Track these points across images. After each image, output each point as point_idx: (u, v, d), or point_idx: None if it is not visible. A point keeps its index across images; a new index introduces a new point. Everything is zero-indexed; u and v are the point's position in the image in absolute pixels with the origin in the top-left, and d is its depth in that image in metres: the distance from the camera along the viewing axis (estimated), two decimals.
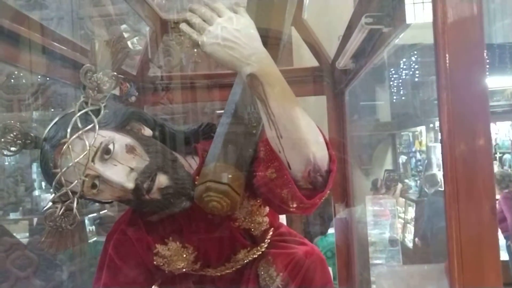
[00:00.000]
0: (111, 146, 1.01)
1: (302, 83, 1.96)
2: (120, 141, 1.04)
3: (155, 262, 1.19)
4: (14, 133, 1.06)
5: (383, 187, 5.31)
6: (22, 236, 3.36)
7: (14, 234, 3.32)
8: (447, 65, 0.70)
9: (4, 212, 3.43)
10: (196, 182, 1.08)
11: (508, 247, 5.10)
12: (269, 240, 1.30)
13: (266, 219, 1.21)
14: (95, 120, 1.02)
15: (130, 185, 1.01)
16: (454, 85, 0.70)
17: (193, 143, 1.22)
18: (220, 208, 1.03)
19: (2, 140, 1.05)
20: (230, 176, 1.04)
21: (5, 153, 1.05)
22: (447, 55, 0.70)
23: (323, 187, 1.00)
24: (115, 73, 1.04)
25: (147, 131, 1.12)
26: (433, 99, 5.91)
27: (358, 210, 1.85)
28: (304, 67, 2.08)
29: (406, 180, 5.81)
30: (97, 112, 1.04)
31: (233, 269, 1.26)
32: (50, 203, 1.04)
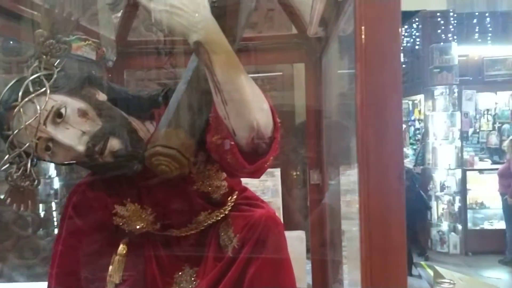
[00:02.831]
0: (63, 110, 1.06)
1: (282, 50, 1.95)
2: (72, 105, 1.08)
3: (114, 222, 1.24)
4: None
5: None
6: None
7: None
8: (363, 37, 0.71)
9: None
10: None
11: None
12: (232, 203, 1.34)
13: (225, 183, 1.25)
14: (47, 85, 1.05)
15: (81, 147, 1.06)
16: (368, 57, 0.72)
17: (153, 108, 1.25)
18: (169, 171, 1.07)
19: None
20: (179, 141, 1.07)
21: None
22: (363, 27, 0.71)
23: (265, 153, 1.04)
24: (68, 39, 1.07)
25: (102, 96, 1.16)
26: (433, 67, 5.85)
27: (332, 177, 1.89)
28: (283, 34, 2.07)
29: (404, 149, 5.82)
30: (50, 77, 1.07)
31: (197, 230, 1.31)
32: (8, 164, 1.09)
